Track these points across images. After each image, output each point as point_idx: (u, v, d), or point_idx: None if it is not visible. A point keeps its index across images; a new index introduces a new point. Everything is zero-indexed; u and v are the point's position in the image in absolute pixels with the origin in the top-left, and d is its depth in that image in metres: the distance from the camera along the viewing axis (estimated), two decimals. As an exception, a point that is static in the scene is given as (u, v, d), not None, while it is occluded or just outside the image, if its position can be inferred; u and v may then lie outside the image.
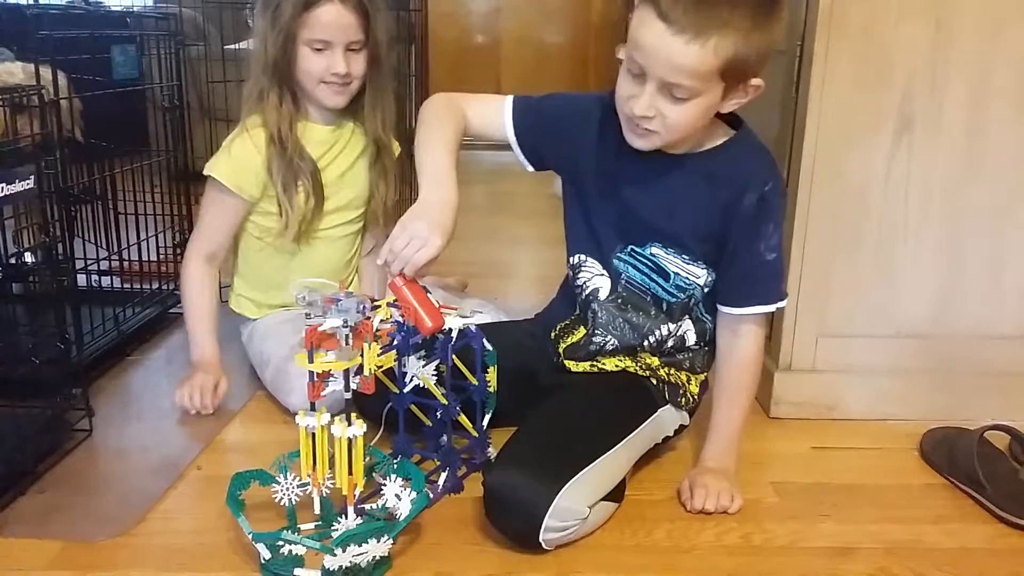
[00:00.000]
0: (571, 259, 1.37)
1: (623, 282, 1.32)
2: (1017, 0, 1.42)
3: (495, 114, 1.34)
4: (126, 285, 1.97)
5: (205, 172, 1.56)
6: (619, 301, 1.33)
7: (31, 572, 1.10)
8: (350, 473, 1.08)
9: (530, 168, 1.38)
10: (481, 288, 2.06)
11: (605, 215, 1.31)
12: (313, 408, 1.10)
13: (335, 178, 1.60)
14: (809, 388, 1.56)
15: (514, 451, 1.18)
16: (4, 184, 1.23)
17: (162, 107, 1.91)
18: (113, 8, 2.38)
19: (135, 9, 2.21)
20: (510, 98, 1.35)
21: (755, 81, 1.15)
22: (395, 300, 1.19)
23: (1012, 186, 1.49)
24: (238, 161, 1.53)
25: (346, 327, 1.08)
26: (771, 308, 1.29)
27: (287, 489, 1.14)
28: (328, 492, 1.14)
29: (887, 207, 1.50)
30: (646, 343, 1.33)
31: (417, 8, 3.57)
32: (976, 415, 1.46)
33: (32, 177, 1.29)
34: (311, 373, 1.09)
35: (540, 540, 1.10)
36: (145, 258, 1.96)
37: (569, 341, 1.39)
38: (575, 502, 1.12)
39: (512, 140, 1.34)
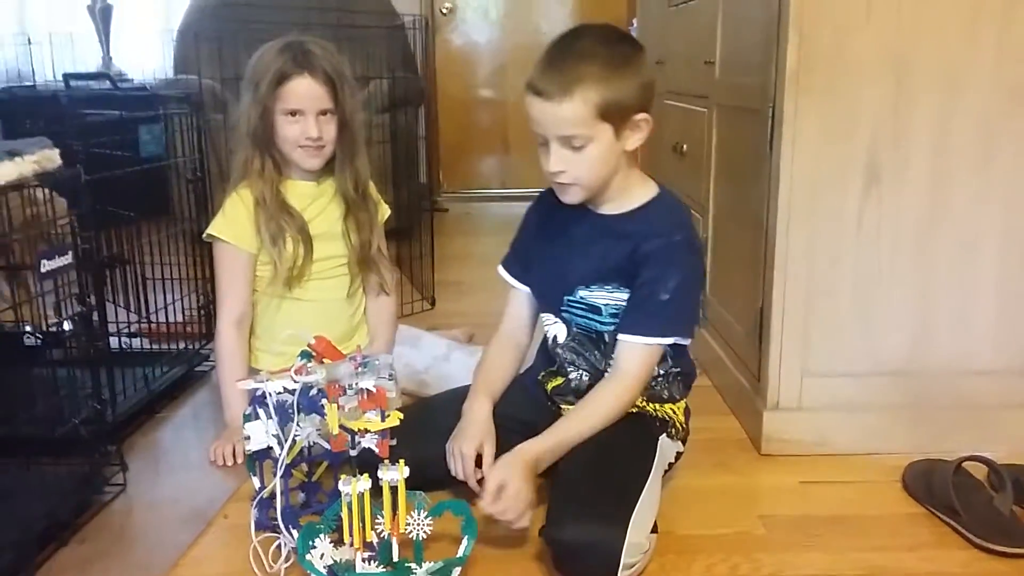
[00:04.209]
0: (541, 317, 1.53)
1: (573, 328, 1.46)
2: (971, 58, 1.53)
3: (512, 296, 1.57)
4: (154, 346, 2.08)
5: (206, 235, 1.71)
6: (575, 342, 1.46)
7: (74, 616, 1.20)
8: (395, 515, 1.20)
9: None
10: (487, 337, 2.15)
11: (549, 278, 1.48)
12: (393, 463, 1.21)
13: (322, 231, 1.74)
14: (797, 425, 1.65)
15: (568, 501, 1.25)
16: (46, 260, 1.36)
17: (186, 179, 2.04)
18: (139, 90, 2.52)
19: (160, 91, 2.35)
20: (501, 267, 1.58)
21: (640, 116, 1.33)
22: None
23: (977, 229, 1.59)
24: (231, 218, 1.68)
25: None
26: (654, 341, 1.38)
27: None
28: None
29: (861, 252, 1.59)
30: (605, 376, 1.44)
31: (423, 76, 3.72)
32: (955, 447, 1.53)
33: (70, 252, 1.41)
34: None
35: None
36: (172, 320, 2.08)
37: (553, 384, 1.50)
38: (640, 536, 1.22)
39: (523, 288, 1.55)
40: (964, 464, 1.46)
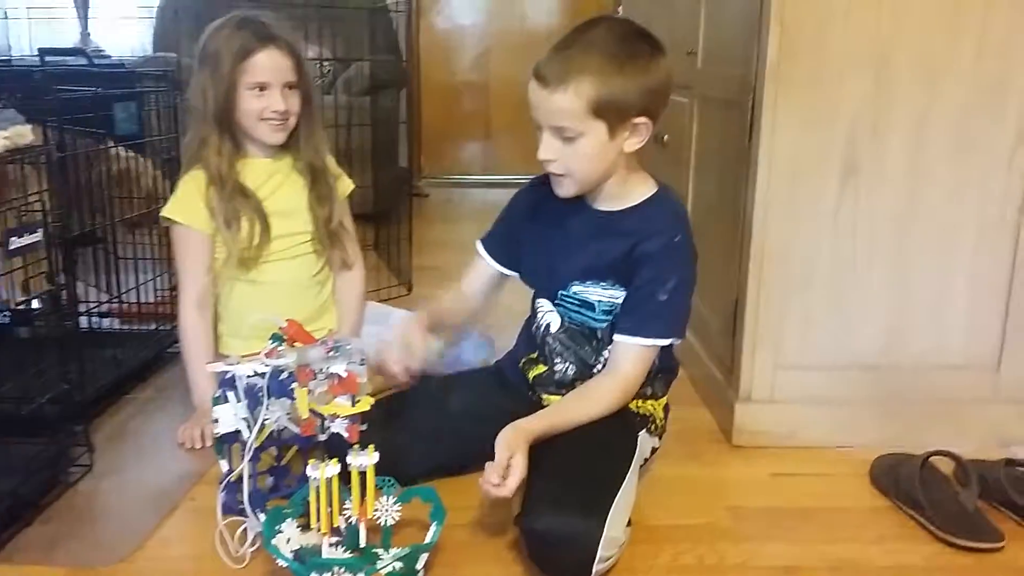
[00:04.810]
0: (535, 302, 1.51)
1: (566, 321, 1.45)
2: (951, 52, 1.53)
3: (477, 262, 1.57)
4: (125, 326, 2.06)
5: (161, 217, 1.69)
6: (566, 334, 1.45)
7: (37, 597, 1.19)
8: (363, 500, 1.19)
9: (515, 274, 1.56)
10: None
11: (544, 269, 1.47)
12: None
13: (281, 208, 1.72)
14: (768, 417, 1.65)
15: (546, 492, 1.23)
16: (15, 237, 1.34)
17: (161, 158, 2.02)
18: (115, 67, 2.49)
19: (137, 68, 2.32)
20: (479, 241, 1.58)
21: (639, 119, 1.31)
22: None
23: (953, 223, 1.59)
24: (184, 199, 1.67)
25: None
26: (651, 342, 1.38)
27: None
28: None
29: (837, 245, 1.60)
30: (594, 371, 1.44)
31: (405, 60, 3.71)
32: (925, 442, 1.53)
33: (40, 230, 1.39)
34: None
35: (592, 574, 1.18)
36: (143, 300, 2.06)
37: (535, 372, 1.49)
38: (617, 530, 1.21)
39: (495, 265, 1.56)
40: (931, 459, 1.47)
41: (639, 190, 1.41)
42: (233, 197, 1.66)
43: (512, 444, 1.25)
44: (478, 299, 1.59)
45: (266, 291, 1.72)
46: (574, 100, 1.26)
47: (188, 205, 1.66)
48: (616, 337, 1.39)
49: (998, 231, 1.60)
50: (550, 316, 1.47)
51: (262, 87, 1.63)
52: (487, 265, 1.56)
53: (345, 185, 1.83)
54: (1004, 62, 1.53)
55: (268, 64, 1.63)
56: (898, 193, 1.58)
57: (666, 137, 2.19)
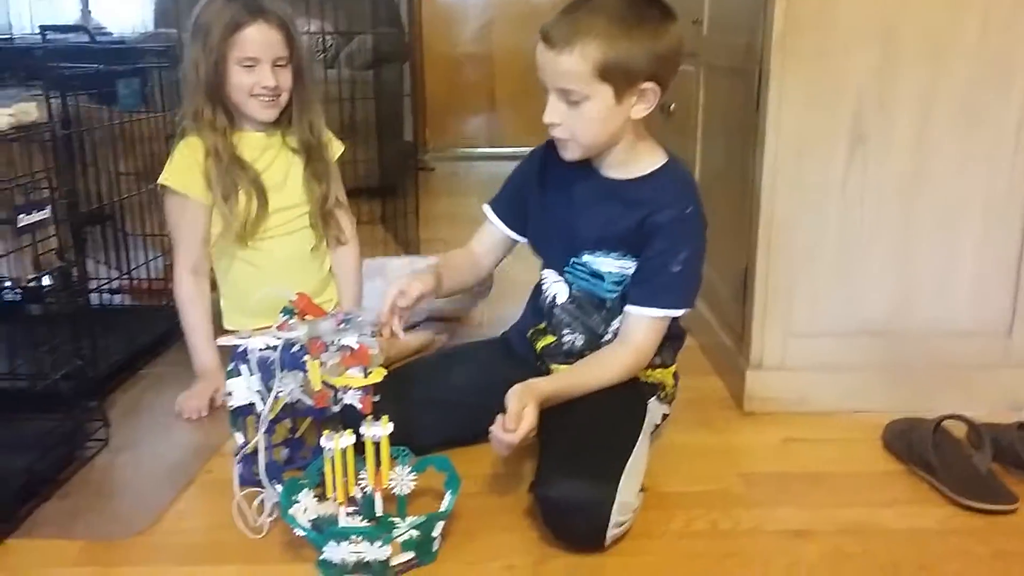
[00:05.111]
0: (541, 272, 1.51)
1: (574, 289, 1.45)
2: (957, 25, 1.52)
3: (486, 226, 1.56)
4: (136, 303, 2.07)
5: (158, 184, 1.67)
6: (574, 304, 1.45)
7: (57, 569, 1.20)
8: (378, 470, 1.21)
9: (524, 239, 1.55)
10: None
11: (549, 236, 1.47)
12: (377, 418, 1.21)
13: (276, 182, 1.71)
14: (779, 384, 1.66)
15: (559, 460, 1.25)
16: (23, 215, 1.34)
17: (165, 134, 2.01)
18: (117, 43, 2.48)
19: (139, 45, 2.31)
20: (486, 205, 1.56)
21: (647, 85, 1.29)
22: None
23: (960, 193, 1.59)
24: (181, 167, 1.65)
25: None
26: (663, 313, 1.38)
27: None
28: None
29: (845, 214, 1.59)
30: (603, 341, 1.44)
31: (408, 32, 3.68)
32: (936, 406, 1.53)
33: (48, 207, 1.40)
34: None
35: (607, 539, 1.19)
36: (154, 276, 2.06)
37: (543, 343, 1.50)
38: (629, 495, 1.22)
39: (504, 229, 1.54)
40: (944, 423, 1.47)
41: (648, 159, 1.40)
42: (231, 169, 1.65)
43: (523, 397, 1.26)
44: (487, 262, 1.58)
45: (266, 267, 1.72)
46: (580, 62, 1.25)
47: (185, 173, 1.65)
48: (628, 308, 1.39)
49: (1007, 198, 1.59)
50: (557, 287, 1.47)
51: (252, 62, 1.61)
52: (496, 228, 1.55)
53: (336, 148, 1.81)
54: (1009, 37, 1.52)
55: (258, 39, 1.60)
56: (905, 164, 1.57)
57: (672, 106, 2.18)
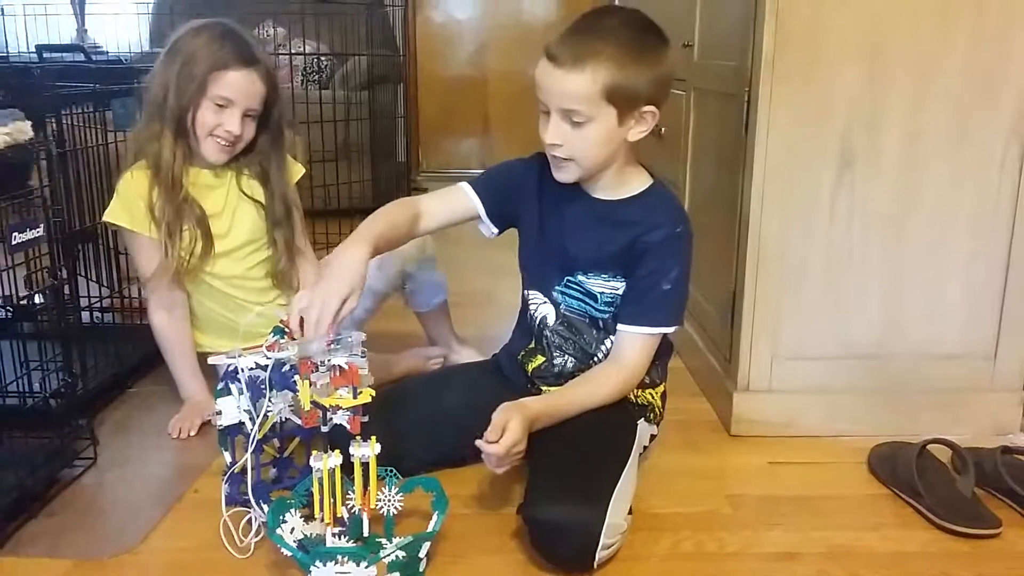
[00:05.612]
0: (524, 293, 1.52)
1: (563, 309, 1.45)
2: (944, 45, 1.54)
3: (455, 195, 1.48)
4: (126, 321, 2.07)
5: (104, 220, 1.66)
6: (564, 325, 1.46)
7: (44, 588, 1.20)
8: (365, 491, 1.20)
9: (494, 231, 1.50)
10: (462, 317, 2.16)
11: (544, 256, 1.46)
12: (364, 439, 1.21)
13: (222, 225, 1.70)
14: (766, 407, 1.67)
15: (548, 481, 1.26)
16: (17, 233, 1.35)
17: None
18: (113, 63, 2.50)
19: (135, 64, 2.32)
20: (464, 183, 1.48)
21: (647, 108, 1.31)
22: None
23: (948, 216, 1.61)
24: (127, 202, 1.64)
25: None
26: (656, 331, 1.40)
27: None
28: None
29: (833, 237, 1.61)
30: (594, 360, 1.45)
31: (402, 54, 3.71)
32: (921, 430, 1.56)
33: (41, 226, 1.40)
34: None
35: (595, 561, 1.19)
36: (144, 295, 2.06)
37: (534, 364, 1.50)
38: (618, 516, 1.23)
39: (480, 208, 1.47)
40: (928, 447, 1.48)
41: (635, 181, 1.42)
42: (178, 204, 1.62)
43: (508, 411, 1.27)
44: (432, 223, 1.46)
45: (224, 284, 1.72)
46: (590, 83, 1.26)
47: (131, 208, 1.63)
48: (620, 326, 1.40)
49: (993, 222, 1.61)
50: (544, 308, 1.48)
51: (225, 103, 1.60)
52: (466, 200, 1.46)
53: (296, 171, 1.79)
54: (997, 56, 1.54)
55: (242, 85, 1.60)
56: (894, 185, 1.59)
57: (663, 129, 2.20)
